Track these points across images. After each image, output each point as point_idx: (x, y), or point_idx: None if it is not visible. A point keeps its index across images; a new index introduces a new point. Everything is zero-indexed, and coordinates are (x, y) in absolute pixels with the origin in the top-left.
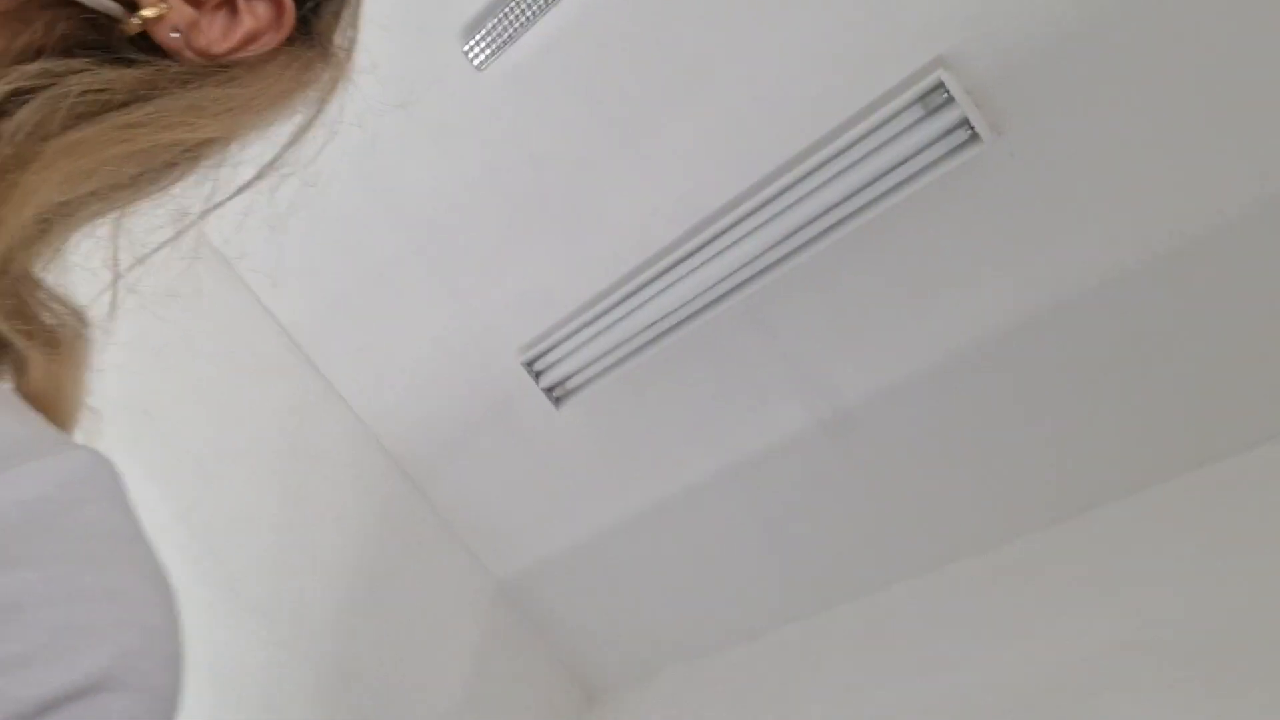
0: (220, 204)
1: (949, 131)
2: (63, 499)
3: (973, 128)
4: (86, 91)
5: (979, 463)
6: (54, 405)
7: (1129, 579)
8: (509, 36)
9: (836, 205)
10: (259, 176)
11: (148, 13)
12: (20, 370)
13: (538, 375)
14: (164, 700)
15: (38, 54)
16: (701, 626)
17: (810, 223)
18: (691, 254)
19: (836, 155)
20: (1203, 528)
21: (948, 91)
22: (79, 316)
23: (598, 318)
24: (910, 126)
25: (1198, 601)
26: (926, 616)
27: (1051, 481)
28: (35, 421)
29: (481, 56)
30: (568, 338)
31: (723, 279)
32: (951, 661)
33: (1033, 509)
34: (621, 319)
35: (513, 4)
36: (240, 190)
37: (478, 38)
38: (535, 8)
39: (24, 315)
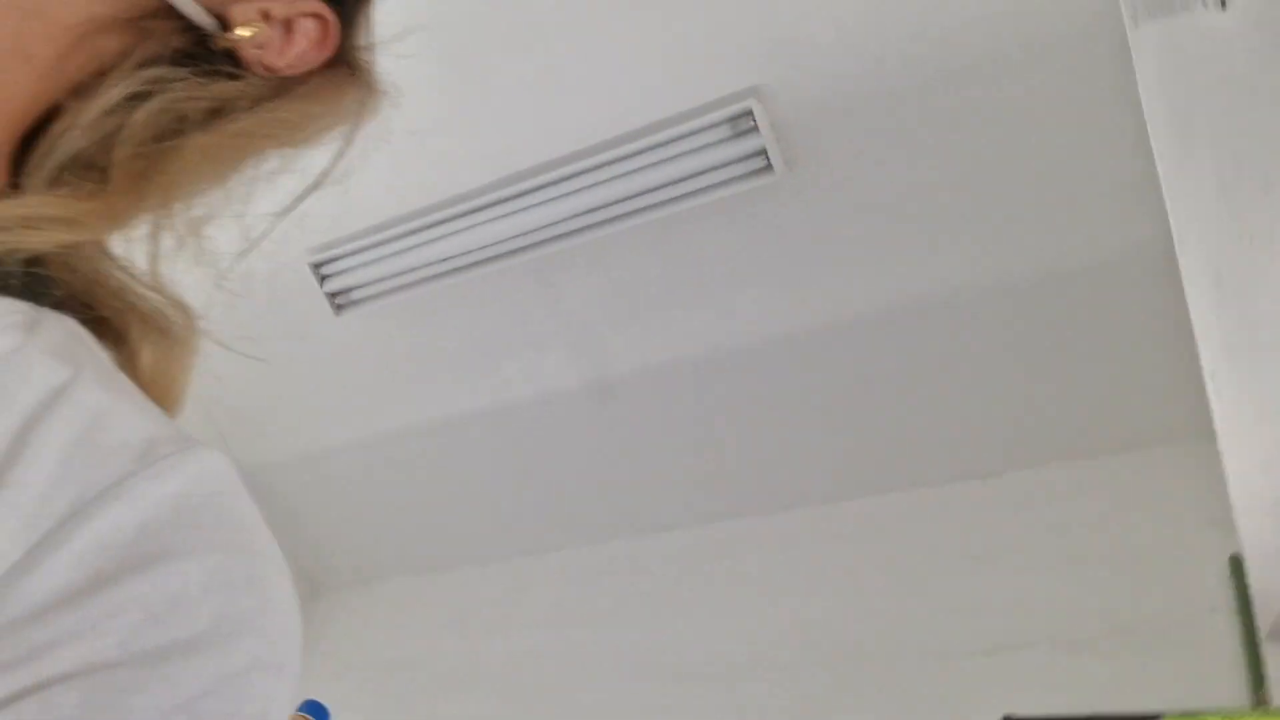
0: (289, 210)
1: (748, 157)
2: (201, 493)
3: (769, 158)
4: (210, 99)
5: (707, 448)
6: (160, 396)
7: (795, 581)
8: None
9: (634, 196)
10: (316, 185)
11: (244, 32)
12: (132, 360)
13: (324, 279)
14: (293, 675)
15: (154, 63)
16: (433, 544)
17: (608, 205)
18: (496, 203)
19: (644, 150)
20: (869, 547)
21: (754, 120)
22: (188, 313)
23: (395, 239)
24: (715, 143)
25: (842, 611)
26: (629, 576)
27: (760, 480)
28: (160, 417)
29: None
30: (362, 250)
31: (521, 234)
32: (632, 621)
33: (743, 500)
34: (418, 246)
35: None
36: (302, 198)
37: None
38: None
39: (140, 308)
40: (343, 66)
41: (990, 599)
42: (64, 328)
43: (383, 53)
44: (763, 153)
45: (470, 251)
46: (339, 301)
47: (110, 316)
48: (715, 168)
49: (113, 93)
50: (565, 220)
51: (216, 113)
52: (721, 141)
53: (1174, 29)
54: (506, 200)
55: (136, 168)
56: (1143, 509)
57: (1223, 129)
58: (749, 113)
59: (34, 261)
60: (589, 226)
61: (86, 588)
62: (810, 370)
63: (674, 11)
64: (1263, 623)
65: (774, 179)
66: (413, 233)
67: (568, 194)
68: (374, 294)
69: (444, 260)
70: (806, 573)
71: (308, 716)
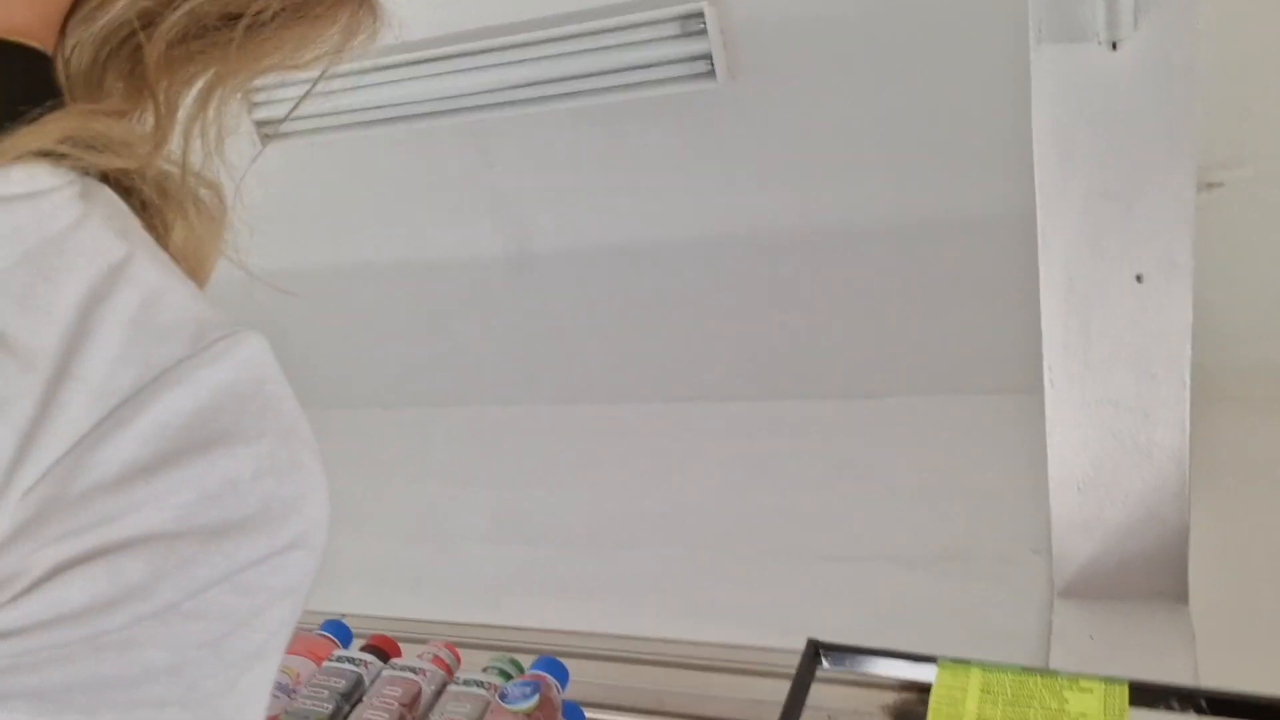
0: (292, 112)
1: (692, 59)
2: (250, 378)
3: (713, 64)
4: (244, 10)
5: (614, 333)
6: (191, 271)
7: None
8: None
9: (577, 77)
10: (306, 95)
11: None
12: (162, 235)
13: (254, 106)
14: (321, 553)
15: None
16: (336, 383)
17: (550, 81)
18: (437, 59)
19: (592, 32)
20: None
21: (704, 23)
22: (219, 192)
23: (335, 77)
24: (661, 39)
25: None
26: (526, 440)
27: (657, 371)
28: (202, 297)
29: None
30: (297, 83)
31: (460, 95)
32: (521, 484)
33: (641, 386)
34: (355, 89)
35: None
36: (296, 106)
37: None
38: None
39: (171, 185)
40: None
41: (842, 510)
42: (107, 198)
43: None
44: (708, 57)
45: (406, 103)
46: (265, 131)
47: (142, 188)
48: (659, 64)
49: None
50: (506, 89)
51: (251, 28)
52: (669, 39)
53: (1070, 56)
54: (448, 58)
55: (172, 70)
56: (993, 447)
57: (1096, 155)
58: (700, 14)
59: None
60: (529, 100)
61: (148, 465)
62: (719, 274)
63: None
64: (1057, 579)
65: (714, 86)
66: (353, 73)
67: (511, 62)
68: (303, 129)
69: (379, 107)
70: (686, 461)
71: (331, 637)
